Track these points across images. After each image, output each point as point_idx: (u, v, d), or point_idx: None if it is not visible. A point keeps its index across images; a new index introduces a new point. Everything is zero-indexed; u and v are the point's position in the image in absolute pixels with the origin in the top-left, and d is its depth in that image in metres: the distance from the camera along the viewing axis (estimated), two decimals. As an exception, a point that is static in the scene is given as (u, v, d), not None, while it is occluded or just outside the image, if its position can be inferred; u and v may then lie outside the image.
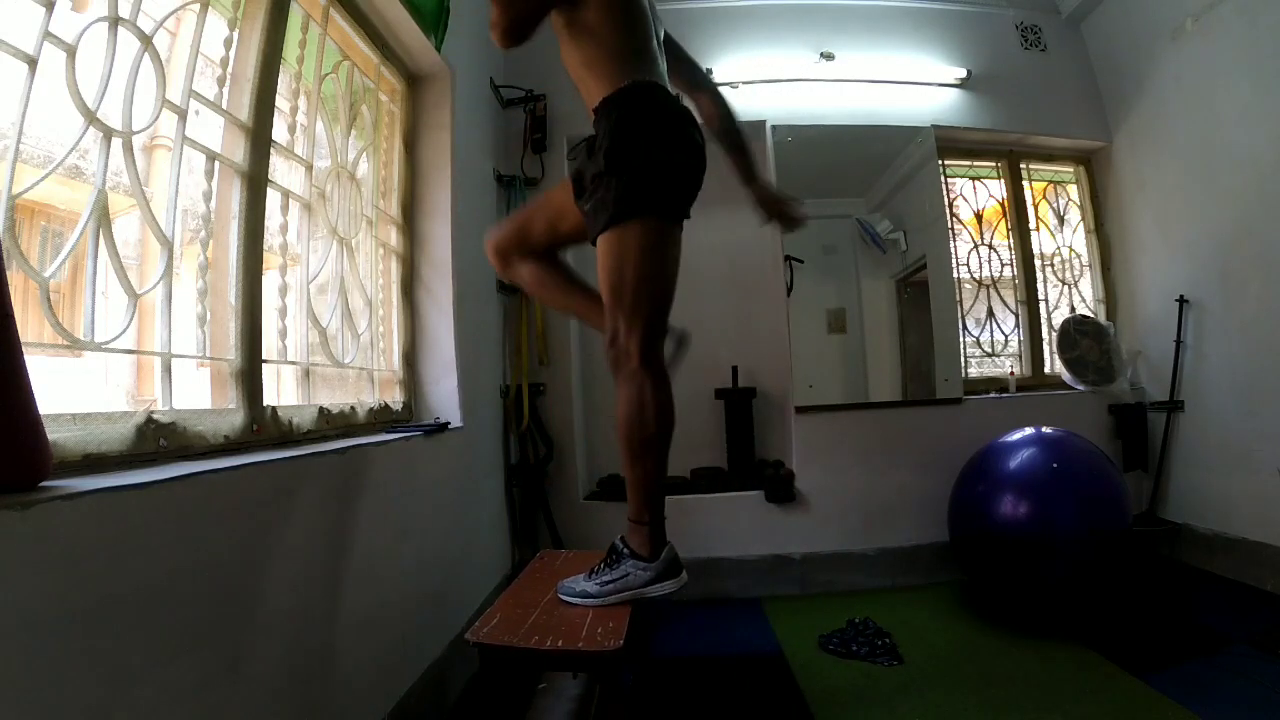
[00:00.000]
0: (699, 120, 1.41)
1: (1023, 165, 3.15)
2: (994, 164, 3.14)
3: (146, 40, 1.06)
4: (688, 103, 1.45)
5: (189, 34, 1.20)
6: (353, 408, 1.63)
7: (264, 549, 1.01)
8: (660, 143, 1.28)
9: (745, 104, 2.86)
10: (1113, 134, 3.01)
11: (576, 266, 1.54)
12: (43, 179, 0.90)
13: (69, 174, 1.04)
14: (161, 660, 0.79)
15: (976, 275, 3.08)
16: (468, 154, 2.23)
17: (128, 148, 1.03)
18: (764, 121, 2.83)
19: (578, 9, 1.30)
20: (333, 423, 1.51)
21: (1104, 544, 2.01)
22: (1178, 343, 2.66)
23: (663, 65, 1.42)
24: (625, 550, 1.30)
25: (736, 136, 1.60)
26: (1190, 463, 2.66)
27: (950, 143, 2.99)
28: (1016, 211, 3.12)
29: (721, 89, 1.64)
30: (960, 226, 3.09)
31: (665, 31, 1.53)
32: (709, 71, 2.82)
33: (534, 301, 2.62)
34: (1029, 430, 2.27)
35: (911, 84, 2.92)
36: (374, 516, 1.38)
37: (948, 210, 2.99)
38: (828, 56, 2.87)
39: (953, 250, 2.95)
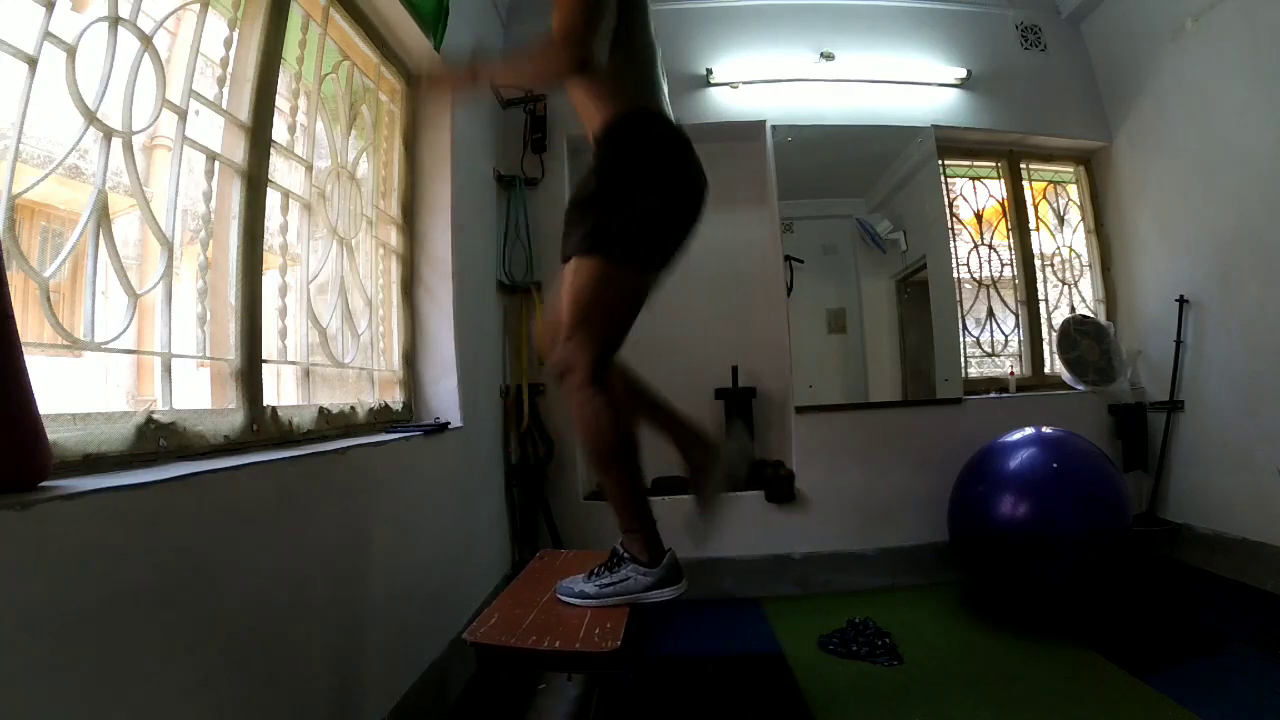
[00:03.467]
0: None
1: (1023, 165, 3.15)
2: (994, 164, 3.14)
3: (146, 40, 1.06)
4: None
5: (189, 34, 1.20)
6: (353, 408, 1.63)
7: (264, 549, 1.01)
8: (656, 184, 1.25)
9: (745, 104, 2.87)
10: (1113, 134, 3.00)
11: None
12: (43, 179, 0.90)
13: (69, 174, 1.04)
14: (161, 660, 0.79)
15: (976, 275, 3.08)
16: (468, 154, 2.23)
17: (128, 148, 1.03)
18: (764, 121, 2.83)
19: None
20: (333, 423, 1.51)
21: (1104, 544, 2.01)
22: (1178, 343, 2.66)
23: (666, 90, 1.39)
24: (626, 555, 1.30)
25: None
26: (1190, 463, 2.66)
27: (950, 143, 2.99)
28: (1016, 211, 3.12)
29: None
30: (960, 226, 3.09)
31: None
32: (708, 72, 2.86)
33: (534, 301, 2.63)
34: (1029, 430, 2.27)
35: (911, 84, 2.91)
36: (374, 516, 1.38)
37: (948, 210, 2.98)
38: (828, 56, 2.87)
39: (953, 250, 2.95)
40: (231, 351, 1.24)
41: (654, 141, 1.28)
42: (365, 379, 1.81)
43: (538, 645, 1.14)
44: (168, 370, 1.09)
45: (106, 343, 0.97)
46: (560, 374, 1.28)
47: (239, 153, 1.28)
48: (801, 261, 2.78)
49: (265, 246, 1.32)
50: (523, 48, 1.23)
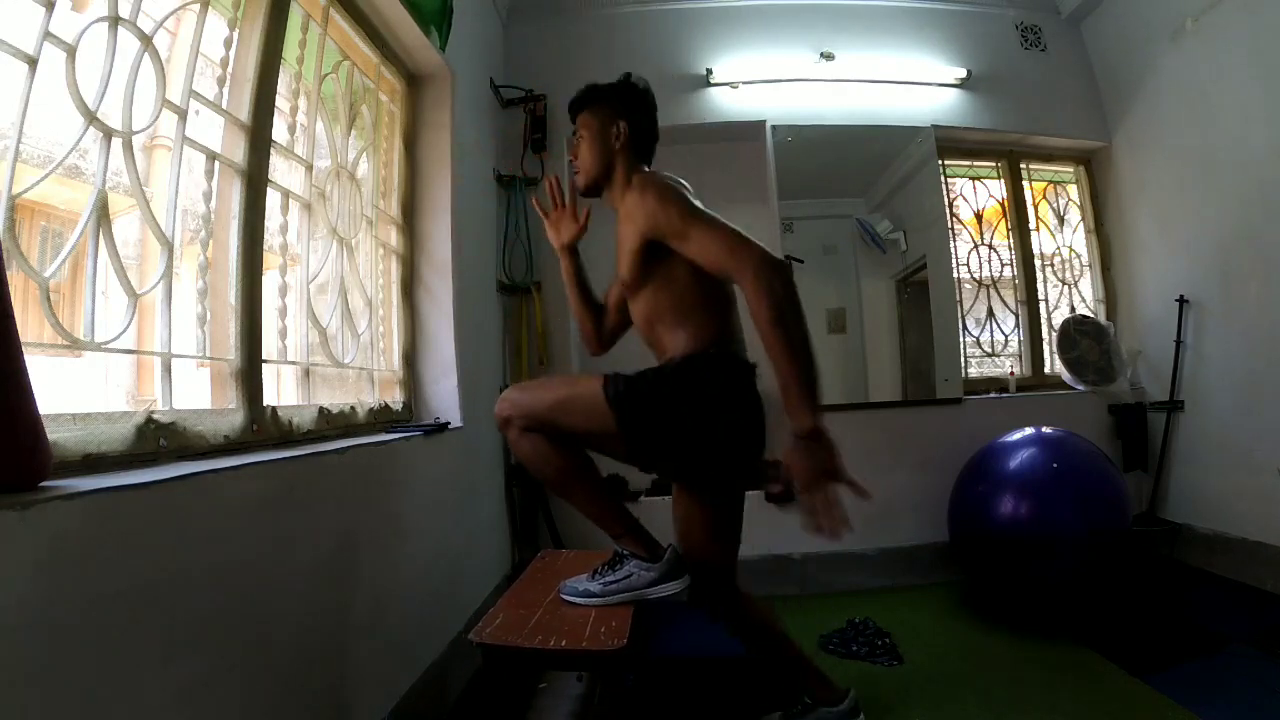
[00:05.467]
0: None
1: (1023, 165, 3.15)
2: (994, 164, 3.14)
3: (146, 40, 1.06)
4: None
5: (189, 34, 1.20)
6: (353, 408, 1.62)
7: (264, 549, 1.01)
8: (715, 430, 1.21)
9: (745, 104, 2.87)
10: (1112, 134, 3.00)
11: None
12: (43, 179, 0.90)
13: (69, 174, 1.04)
14: (161, 660, 0.79)
15: (976, 275, 3.08)
16: (468, 154, 2.23)
17: (128, 148, 1.03)
18: (764, 121, 2.83)
19: (672, 255, 1.25)
20: (333, 423, 1.51)
21: (1104, 544, 2.01)
22: (1178, 343, 2.66)
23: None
24: (628, 553, 1.31)
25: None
26: (1190, 463, 2.66)
27: (950, 143, 2.99)
28: (1016, 211, 3.12)
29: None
30: (960, 226, 3.09)
31: None
32: (708, 72, 2.85)
33: (534, 301, 2.63)
34: (1029, 430, 2.27)
35: (911, 84, 2.91)
36: (374, 516, 1.38)
37: (948, 210, 2.98)
38: (828, 56, 2.86)
39: (953, 250, 2.95)
40: (231, 351, 1.24)
41: (738, 399, 1.24)
42: (365, 379, 1.81)
43: (544, 645, 1.14)
44: (168, 370, 1.09)
45: (106, 343, 0.97)
46: (500, 422, 1.28)
47: (239, 153, 1.28)
48: (801, 261, 2.77)
49: (265, 246, 1.32)
50: (770, 318, 1.19)
